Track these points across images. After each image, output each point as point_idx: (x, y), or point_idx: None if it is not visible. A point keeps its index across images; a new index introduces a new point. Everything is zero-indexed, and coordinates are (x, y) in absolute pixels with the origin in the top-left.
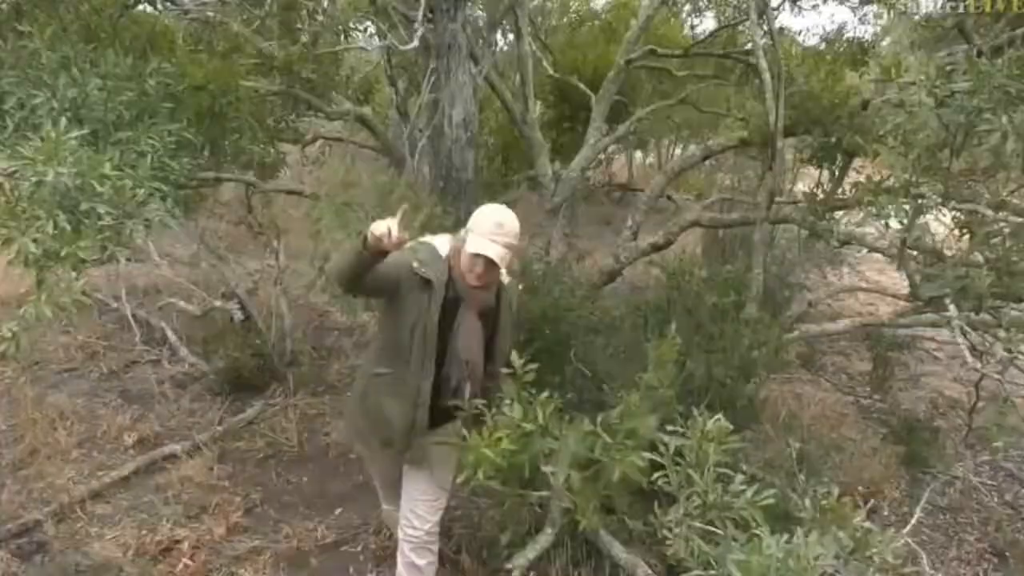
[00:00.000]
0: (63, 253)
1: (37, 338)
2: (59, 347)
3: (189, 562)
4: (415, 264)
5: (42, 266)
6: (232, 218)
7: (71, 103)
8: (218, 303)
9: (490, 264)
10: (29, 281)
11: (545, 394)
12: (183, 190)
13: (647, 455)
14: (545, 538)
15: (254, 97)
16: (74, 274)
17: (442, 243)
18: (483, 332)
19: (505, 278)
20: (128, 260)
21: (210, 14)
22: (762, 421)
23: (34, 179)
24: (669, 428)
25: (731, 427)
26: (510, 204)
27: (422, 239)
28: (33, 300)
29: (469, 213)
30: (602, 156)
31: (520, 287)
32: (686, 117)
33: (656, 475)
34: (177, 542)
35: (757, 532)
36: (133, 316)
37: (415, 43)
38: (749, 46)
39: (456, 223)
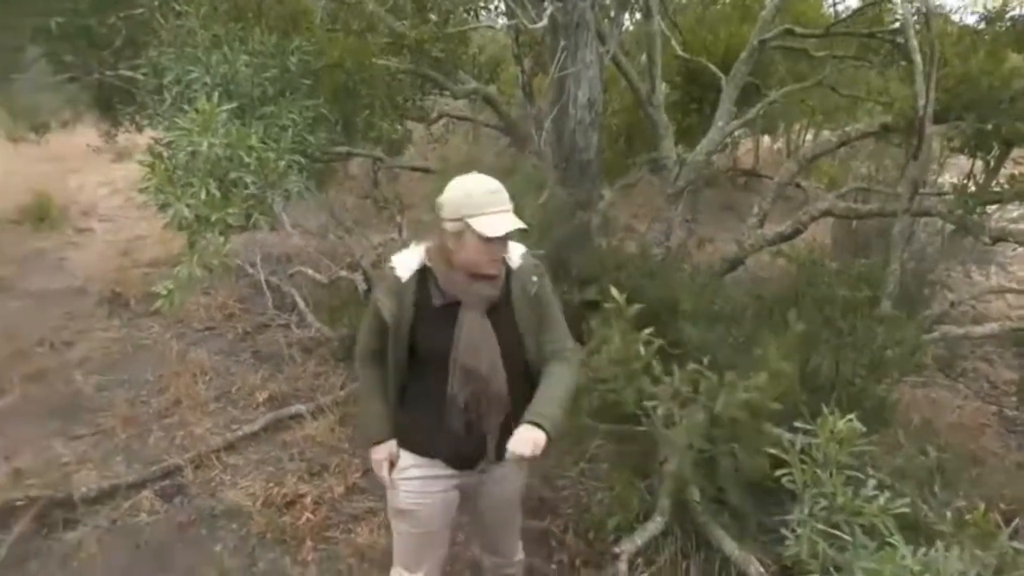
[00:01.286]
0: (213, 219)
1: (188, 297)
2: (200, 307)
3: (311, 516)
4: (378, 305)
5: (194, 230)
6: (359, 192)
7: (222, 79)
8: (344, 273)
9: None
10: (180, 244)
11: (648, 331)
12: (317, 163)
13: (769, 450)
14: (654, 525)
15: (385, 75)
16: (221, 239)
17: (407, 259)
18: (501, 331)
19: (515, 261)
20: (263, 228)
21: None
22: (892, 425)
23: (189, 149)
24: (796, 425)
25: (863, 429)
26: (630, 187)
27: (393, 256)
28: (185, 261)
29: (591, 195)
30: (727, 140)
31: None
32: (822, 100)
33: (779, 471)
34: (300, 496)
35: (891, 541)
36: (266, 282)
37: (543, 22)
38: (897, 24)
39: (576, 205)
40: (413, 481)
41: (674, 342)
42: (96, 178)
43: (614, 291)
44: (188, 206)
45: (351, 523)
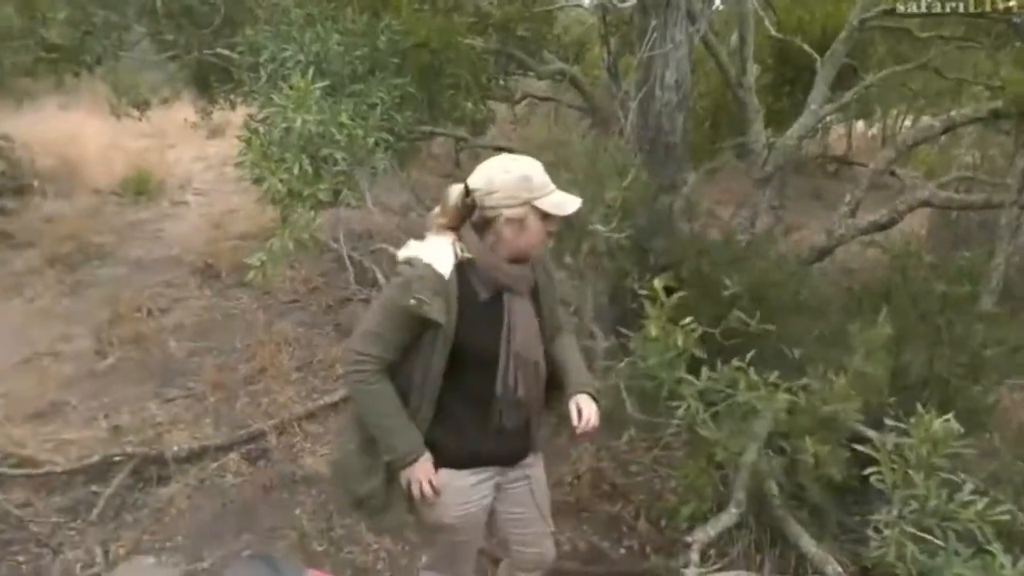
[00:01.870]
0: (304, 193)
1: (279, 269)
2: (287, 280)
3: None
4: (412, 302)
5: (286, 204)
6: (440, 171)
7: (315, 57)
8: None
9: None
10: (269, 218)
11: (688, 319)
12: (402, 142)
13: (855, 448)
14: (729, 517)
15: (470, 55)
16: (312, 213)
17: (439, 254)
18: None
19: None
20: (349, 205)
21: None
22: (989, 429)
23: (284, 125)
24: (887, 423)
25: (962, 430)
26: (715, 171)
27: (410, 254)
28: (278, 235)
29: (674, 179)
30: (820, 125)
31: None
32: (924, 84)
33: (868, 470)
34: None
35: (989, 549)
36: (349, 257)
37: (632, 0)
38: (1012, 3)
39: (659, 189)
40: (455, 495)
41: (755, 331)
42: (192, 153)
43: (656, 282)
44: (281, 181)
45: None
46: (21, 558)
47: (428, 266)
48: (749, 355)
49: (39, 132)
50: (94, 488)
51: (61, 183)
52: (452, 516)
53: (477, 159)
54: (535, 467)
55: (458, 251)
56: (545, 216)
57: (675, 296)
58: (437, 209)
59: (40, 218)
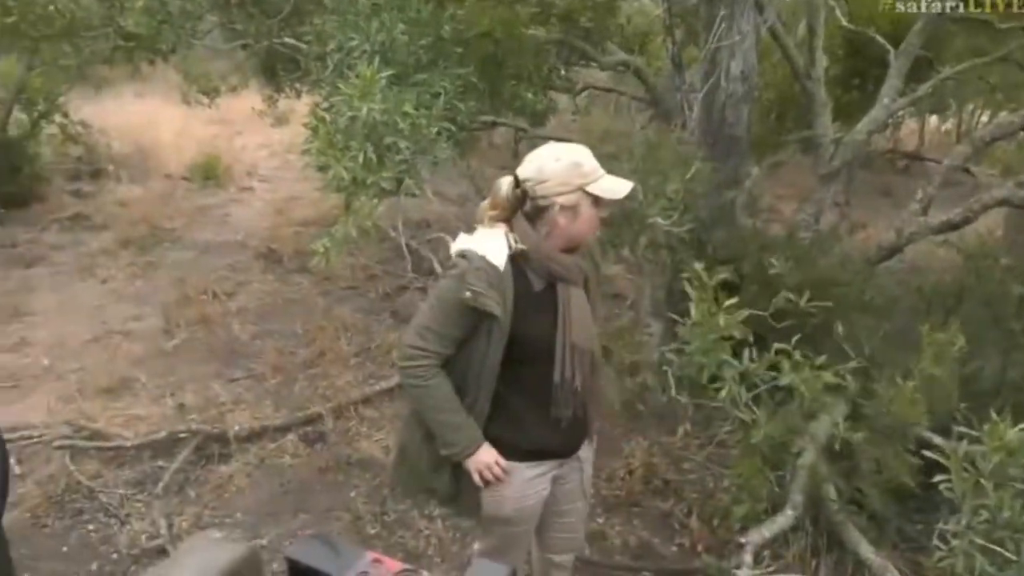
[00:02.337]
0: (368, 181)
1: (341, 255)
2: (346, 267)
3: None
4: (467, 295)
5: (350, 192)
6: (499, 162)
7: (380, 46)
8: None
9: None
10: (330, 205)
11: (732, 301)
12: (464, 132)
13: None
14: (784, 519)
15: (533, 45)
16: (375, 201)
17: (492, 246)
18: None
19: None
20: (411, 194)
21: None
22: None
23: (349, 114)
24: (959, 430)
25: None
26: (779, 165)
27: (463, 247)
28: (341, 222)
29: (737, 172)
30: (890, 120)
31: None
32: (1004, 77)
33: (937, 478)
34: None
35: None
36: (407, 246)
37: None
38: None
39: (721, 182)
40: (514, 489)
41: (819, 330)
42: (257, 140)
43: (697, 266)
44: (346, 168)
45: None
46: (91, 527)
47: (482, 258)
48: (795, 338)
49: (115, 119)
50: (160, 463)
51: (135, 168)
52: (510, 509)
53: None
54: (587, 456)
55: (511, 242)
56: (597, 201)
57: (719, 277)
58: (486, 202)
59: (114, 201)
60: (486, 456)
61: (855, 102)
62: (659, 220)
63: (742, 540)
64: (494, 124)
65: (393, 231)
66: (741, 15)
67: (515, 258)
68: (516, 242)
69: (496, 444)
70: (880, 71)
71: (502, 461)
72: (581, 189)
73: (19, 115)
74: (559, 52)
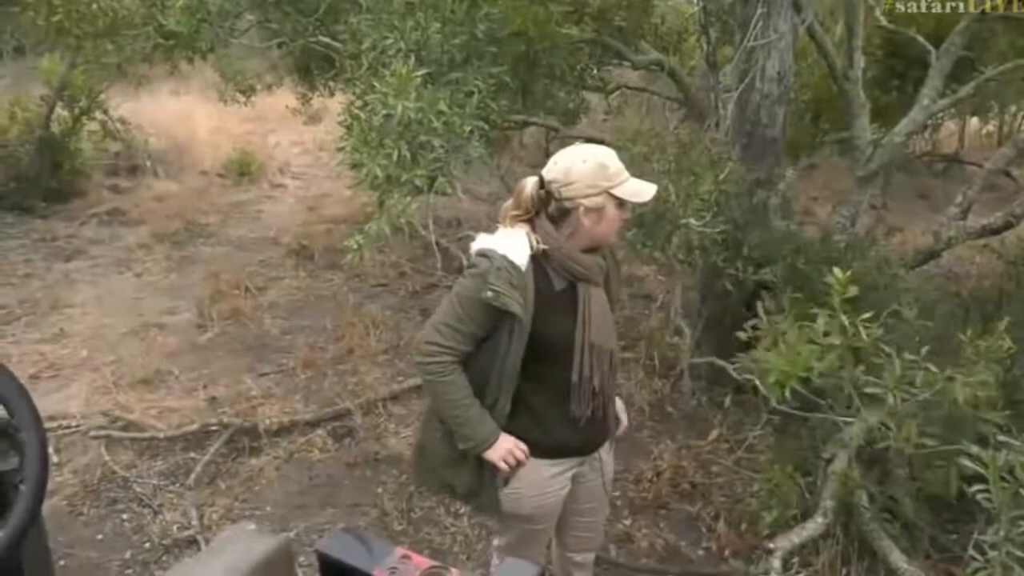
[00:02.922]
0: (402, 179)
1: (375, 253)
2: (376, 264)
3: None
4: (489, 294)
5: (384, 190)
6: (530, 161)
7: (414, 44)
8: None
9: None
10: (360, 203)
11: (867, 315)
12: (496, 131)
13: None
14: (815, 526)
15: (566, 44)
16: (408, 199)
17: (514, 245)
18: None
19: None
20: (442, 192)
21: None
22: None
23: (384, 112)
24: (996, 438)
25: None
26: (814, 167)
27: (484, 247)
28: (375, 219)
29: (771, 173)
30: (930, 121)
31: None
32: None
33: (975, 488)
34: None
35: None
36: (436, 244)
37: None
38: None
39: (755, 183)
40: (533, 486)
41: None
42: (290, 138)
43: (836, 271)
44: (380, 166)
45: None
46: (125, 516)
47: (504, 257)
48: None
49: (153, 116)
50: (192, 454)
51: (171, 164)
52: (530, 507)
53: None
54: (607, 455)
55: (533, 242)
56: (622, 204)
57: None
58: (509, 202)
59: (151, 197)
60: (505, 443)
61: (894, 103)
62: (691, 221)
63: (771, 546)
64: (526, 123)
65: (423, 229)
66: (778, 14)
67: (536, 258)
68: (538, 242)
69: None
70: (920, 72)
71: (521, 444)
72: (607, 192)
73: (61, 112)
74: (592, 51)
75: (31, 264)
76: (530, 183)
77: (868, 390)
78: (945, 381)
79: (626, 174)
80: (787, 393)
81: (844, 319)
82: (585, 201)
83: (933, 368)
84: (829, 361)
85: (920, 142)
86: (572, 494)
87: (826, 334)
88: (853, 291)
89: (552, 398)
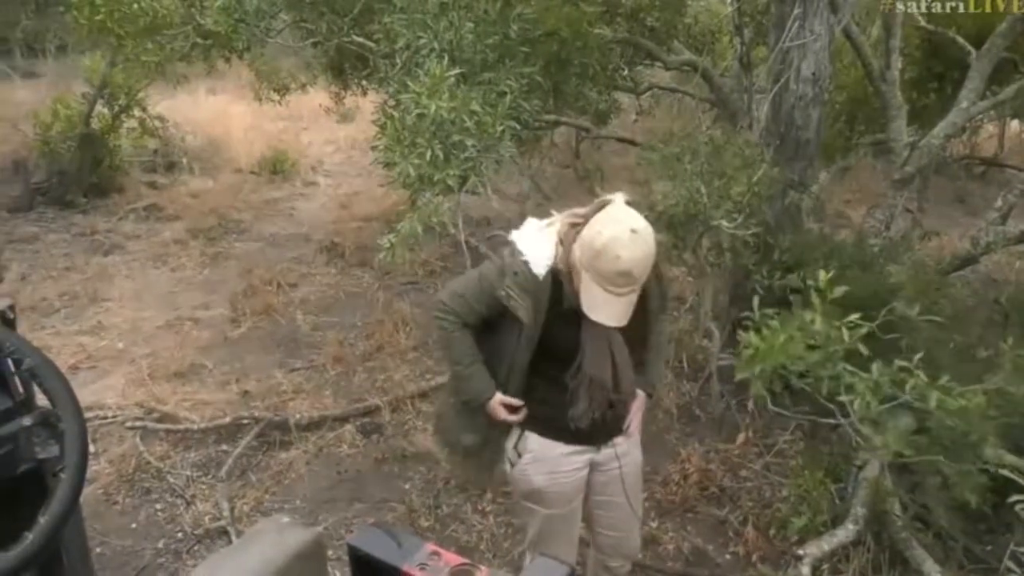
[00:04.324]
0: (435, 179)
1: (406, 251)
2: (406, 262)
3: None
4: (501, 293)
5: (416, 188)
6: (560, 161)
7: (448, 44)
8: None
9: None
10: (391, 202)
11: (856, 315)
12: (527, 130)
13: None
14: (845, 533)
15: (598, 44)
16: (440, 198)
17: (540, 251)
18: (634, 318)
19: None
20: (473, 192)
21: None
22: None
23: (417, 111)
24: None
25: None
26: (848, 169)
27: (518, 243)
28: (408, 218)
29: (805, 175)
30: (969, 124)
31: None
32: None
33: (1013, 498)
34: None
35: None
36: (466, 243)
37: None
38: None
39: (788, 185)
40: (544, 464)
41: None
42: (323, 136)
43: (821, 273)
44: (413, 165)
45: None
46: (158, 506)
47: (525, 263)
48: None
49: (190, 114)
50: (224, 447)
51: (207, 161)
52: (540, 481)
53: (598, 150)
54: (629, 453)
55: (556, 255)
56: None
57: (840, 289)
58: (579, 211)
59: (187, 193)
60: (501, 398)
61: (932, 105)
62: (723, 223)
63: (800, 552)
64: (556, 123)
65: (453, 228)
66: (814, 14)
67: (557, 270)
68: (556, 259)
69: (531, 420)
70: (959, 73)
71: (516, 401)
72: (586, 270)
73: (101, 109)
74: (624, 51)
75: (71, 258)
76: (600, 203)
77: (840, 395)
78: (932, 389)
79: (613, 287)
80: (774, 386)
81: (819, 319)
82: (576, 253)
83: (922, 375)
84: (811, 358)
85: (958, 145)
86: (592, 484)
87: (800, 329)
88: (839, 291)
89: (561, 392)
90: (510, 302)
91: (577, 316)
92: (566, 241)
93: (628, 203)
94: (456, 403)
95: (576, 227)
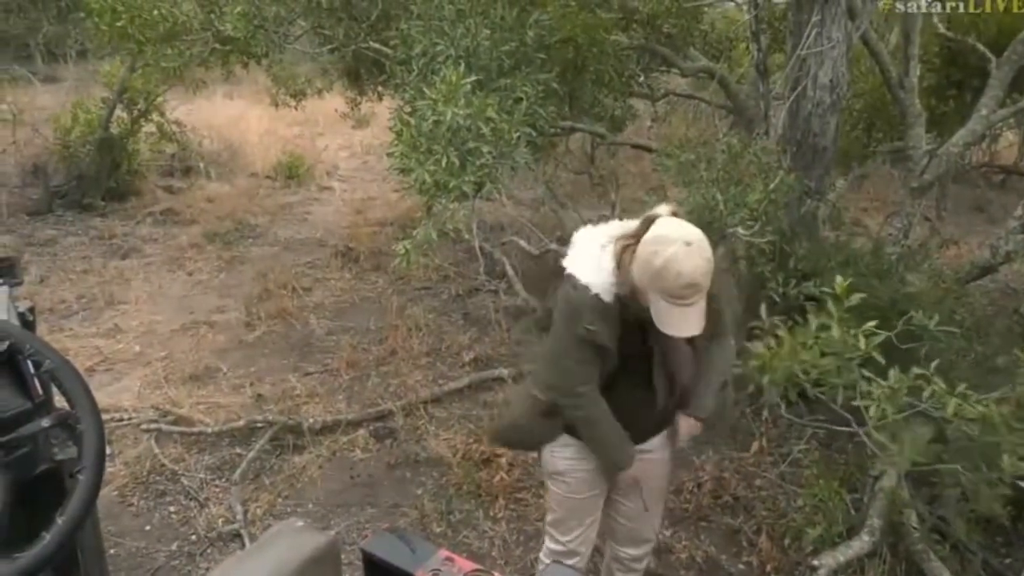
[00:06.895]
0: (451, 185)
1: (422, 257)
2: (420, 267)
3: (505, 476)
4: (583, 332)
5: (432, 195)
6: (575, 167)
7: (464, 51)
8: (554, 246)
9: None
10: (406, 207)
11: (872, 324)
12: (543, 137)
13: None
14: (861, 544)
15: (615, 51)
16: (455, 204)
17: (599, 278)
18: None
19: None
20: (488, 198)
21: None
22: None
23: (433, 118)
24: None
25: None
26: (865, 177)
27: (577, 275)
28: (423, 224)
29: (821, 183)
30: (989, 132)
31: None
32: None
33: None
34: (497, 455)
35: None
36: (480, 248)
37: None
38: None
39: (805, 193)
40: (575, 446)
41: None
42: (339, 141)
43: (838, 279)
44: (429, 172)
45: (541, 488)
46: (172, 508)
47: (596, 296)
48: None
49: (207, 119)
50: (238, 450)
51: (223, 166)
52: (563, 465)
53: (613, 156)
54: (655, 452)
55: (615, 280)
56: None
57: (857, 296)
58: (631, 228)
59: (203, 197)
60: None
61: (950, 113)
62: (739, 230)
63: (814, 563)
64: (572, 129)
65: (467, 234)
66: (832, 21)
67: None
68: (617, 286)
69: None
70: (979, 80)
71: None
72: (649, 292)
73: (120, 114)
74: (640, 58)
75: (88, 261)
76: (647, 219)
77: (856, 402)
78: (950, 396)
79: (682, 301)
80: (789, 394)
81: (835, 327)
82: (635, 271)
83: (940, 382)
84: (825, 365)
85: (977, 153)
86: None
87: (817, 337)
88: (856, 298)
89: (606, 388)
90: (594, 337)
91: (639, 322)
92: (623, 265)
93: (674, 213)
94: (540, 413)
95: (629, 247)
